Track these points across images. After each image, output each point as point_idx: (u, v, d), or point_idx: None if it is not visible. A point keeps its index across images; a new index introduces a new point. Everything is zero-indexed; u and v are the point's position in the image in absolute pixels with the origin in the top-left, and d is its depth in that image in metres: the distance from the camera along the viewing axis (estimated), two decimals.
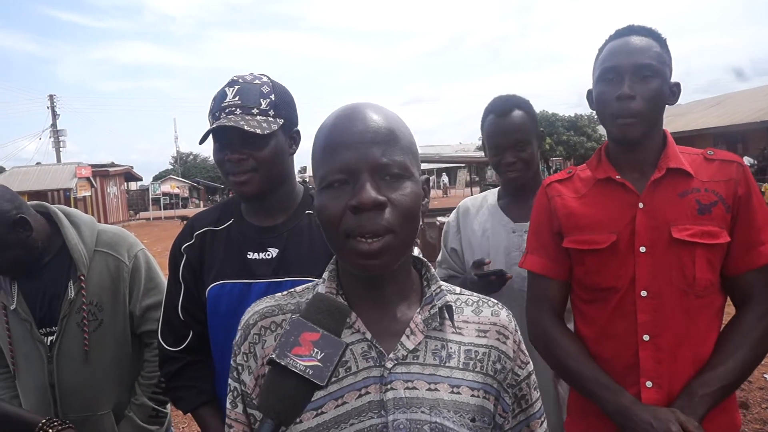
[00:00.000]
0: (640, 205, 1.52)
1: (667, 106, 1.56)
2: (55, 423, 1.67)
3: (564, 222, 1.62)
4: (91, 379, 1.84)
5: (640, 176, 1.56)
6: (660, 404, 1.46)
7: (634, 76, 1.49)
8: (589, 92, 1.65)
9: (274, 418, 0.75)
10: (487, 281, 1.94)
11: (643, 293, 1.50)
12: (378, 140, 0.89)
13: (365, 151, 0.88)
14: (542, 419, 1.06)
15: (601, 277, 1.55)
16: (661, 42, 1.54)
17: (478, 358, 0.98)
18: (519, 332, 1.05)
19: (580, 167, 1.71)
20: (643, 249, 1.50)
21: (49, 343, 1.82)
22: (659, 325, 1.49)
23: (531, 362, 1.05)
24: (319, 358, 0.77)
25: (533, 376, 1.05)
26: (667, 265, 1.48)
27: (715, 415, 1.45)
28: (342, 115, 0.93)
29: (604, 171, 1.60)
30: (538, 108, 2.30)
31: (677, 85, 1.57)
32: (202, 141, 1.52)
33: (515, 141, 2.05)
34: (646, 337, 1.49)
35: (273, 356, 0.76)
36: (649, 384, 1.48)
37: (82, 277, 1.83)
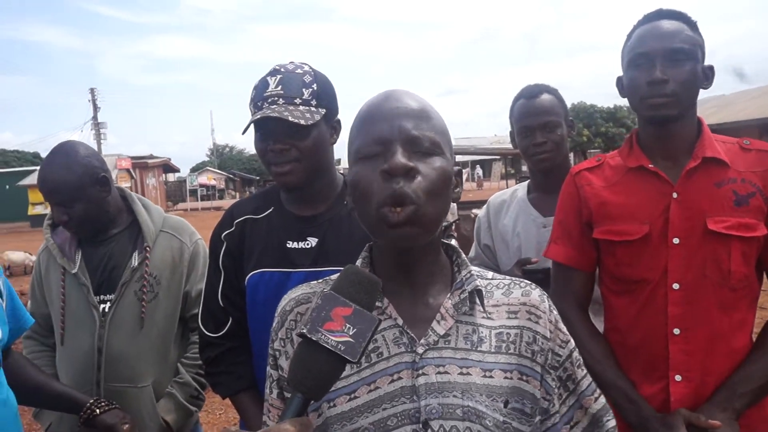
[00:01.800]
0: (674, 195, 1.48)
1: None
2: (102, 403, 1.72)
3: (595, 212, 1.59)
4: (137, 349, 1.90)
5: (674, 165, 1.52)
6: (688, 398, 1.46)
7: (666, 60, 1.46)
8: (619, 79, 1.63)
9: (305, 393, 0.75)
10: (534, 280, 1.92)
11: (675, 286, 1.47)
12: (411, 115, 0.94)
13: (399, 123, 0.93)
14: (595, 395, 1.05)
15: (633, 268, 1.53)
16: (692, 25, 1.50)
17: (510, 339, 0.97)
18: (555, 312, 1.04)
19: (610, 155, 1.67)
20: (676, 240, 1.47)
21: (102, 310, 1.90)
22: (691, 318, 1.46)
23: (572, 340, 1.04)
24: (351, 333, 0.76)
25: (575, 353, 1.04)
26: (701, 258, 1.45)
27: (749, 410, 1.43)
28: (378, 96, 0.99)
29: (636, 159, 1.56)
30: (575, 99, 2.30)
31: (711, 68, 1.53)
32: (245, 131, 1.53)
33: (545, 122, 2.05)
34: (676, 331, 1.47)
35: (304, 331, 0.76)
36: (678, 377, 1.47)
37: (148, 248, 1.93)
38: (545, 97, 2.09)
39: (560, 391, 1.01)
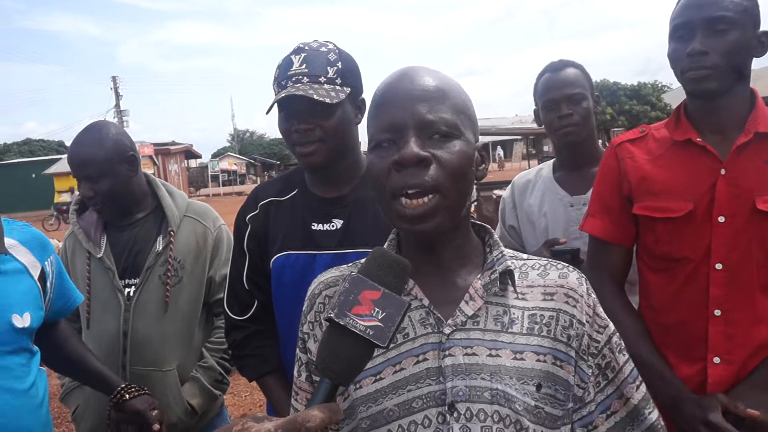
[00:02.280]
0: (722, 171, 1.42)
1: None
2: (133, 389, 1.74)
3: (635, 186, 1.53)
4: (162, 333, 1.92)
5: (723, 139, 1.45)
6: (727, 380, 1.41)
7: (707, 30, 1.39)
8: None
9: (333, 378, 0.73)
10: (564, 260, 1.88)
11: (718, 266, 1.42)
12: (425, 97, 0.89)
13: (411, 108, 0.88)
14: (637, 382, 0.99)
15: (674, 247, 1.47)
16: None
17: (544, 322, 0.94)
18: (594, 295, 1.00)
19: (655, 126, 1.60)
20: (721, 219, 1.41)
21: (127, 294, 1.93)
22: (733, 300, 1.41)
23: (611, 324, 0.99)
24: (380, 318, 0.74)
25: (615, 338, 0.98)
26: (747, 238, 1.39)
27: None
28: (393, 76, 0.94)
29: (684, 132, 1.49)
30: (598, 77, 2.25)
31: (766, 34, 1.43)
32: (269, 110, 1.51)
33: (570, 94, 2.01)
34: (717, 312, 1.42)
35: (332, 315, 0.74)
36: (716, 360, 1.43)
37: (172, 232, 1.95)
38: (570, 70, 2.06)
39: (598, 379, 0.96)
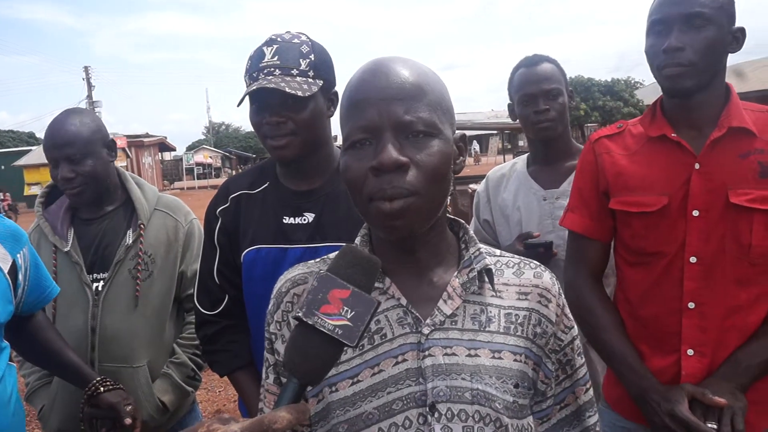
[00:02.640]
0: (696, 165, 1.43)
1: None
2: (107, 383, 1.71)
3: (612, 182, 1.54)
4: (132, 329, 1.88)
5: (698, 135, 1.46)
6: (701, 373, 1.43)
7: (684, 26, 1.39)
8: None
9: (301, 378, 0.72)
10: (535, 253, 1.90)
11: (693, 259, 1.43)
12: (402, 96, 0.85)
13: (387, 109, 0.84)
14: (587, 386, 1.03)
15: (649, 241, 1.49)
16: None
17: (519, 321, 0.94)
18: (563, 296, 1.01)
19: (632, 121, 1.62)
20: (696, 213, 1.42)
21: (96, 289, 1.89)
22: (706, 293, 1.43)
23: (575, 327, 1.01)
24: (348, 317, 0.73)
25: (577, 341, 1.01)
26: (721, 231, 1.41)
27: (762, 385, 1.41)
28: (367, 70, 0.89)
29: (659, 128, 1.50)
30: (573, 73, 2.27)
31: (741, 30, 1.45)
32: (240, 103, 1.49)
33: (547, 89, 2.03)
34: (691, 305, 1.44)
35: (300, 314, 0.73)
36: (690, 352, 1.44)
37: (142, 226, 1.92)
38: (546, 65, 2.06)
39: (557, 373, 0.99)
